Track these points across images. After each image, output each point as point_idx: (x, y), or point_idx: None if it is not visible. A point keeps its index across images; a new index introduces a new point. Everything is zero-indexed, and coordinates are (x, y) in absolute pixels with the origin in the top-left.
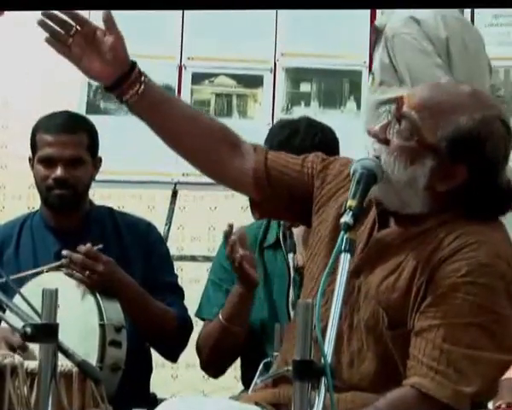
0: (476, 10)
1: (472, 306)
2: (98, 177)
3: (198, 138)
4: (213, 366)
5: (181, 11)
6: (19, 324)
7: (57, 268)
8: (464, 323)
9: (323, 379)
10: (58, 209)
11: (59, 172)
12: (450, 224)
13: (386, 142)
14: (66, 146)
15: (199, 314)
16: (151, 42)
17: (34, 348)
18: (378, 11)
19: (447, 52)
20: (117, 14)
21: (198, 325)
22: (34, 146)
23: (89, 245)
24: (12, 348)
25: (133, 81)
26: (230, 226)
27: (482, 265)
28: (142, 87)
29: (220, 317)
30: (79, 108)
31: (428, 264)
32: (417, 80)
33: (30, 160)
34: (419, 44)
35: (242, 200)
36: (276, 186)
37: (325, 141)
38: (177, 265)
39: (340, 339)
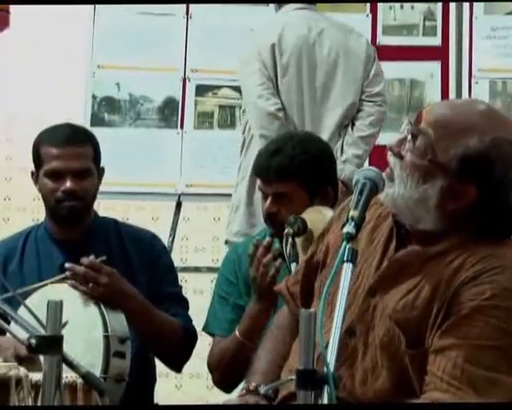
0: (474, 23)
1: (495, 329)
2: (102, 188)
3: None
4: (228, 382)
5: (185, 25)
6: (24, 335)
7: (61, 281)
8: (486, 345)
9: (326, 388)
10: (67, 221)
11: (68, 184)
12: (468, 245)
13: (400, 156)
14: (74, 158)
15: (206, 329)
16: (155, 54)
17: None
18: (379, 23)
19: (273, 57)
20: (123, 26)
21: (202, 335)
22: (39, 160)
23: (92, 257)
24: (19, 360)
25: None
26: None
27: (506, 289)
28: None
29: (237, 333)
30: (84, 120)
31: (450, 285)
32: (243, 88)
33: (32, 174)
34: (245, 55)
35: None
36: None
37: (308, 161)
38: (180, 276)
39: (355, 356)
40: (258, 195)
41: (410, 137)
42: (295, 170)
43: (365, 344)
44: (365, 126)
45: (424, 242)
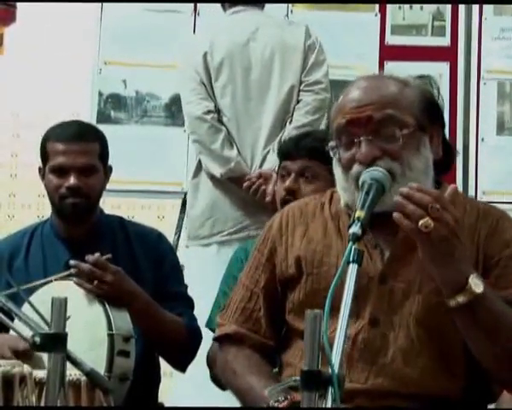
0: (483, 23)
1: None
2: (108, 186)
3: None
4: None
5: (192, 22)
6: (28, 333)
7: (66, 278)
8: None
9: (330, 389)
10: (71, 218)
11: (72, 180)
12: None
13: (387, 154)
14: (79, 155)
15: (209, 325)
16: (162, 51)
17: (42, 355)
18: (388, 23)
19: (205, 64)
20: (130, 23)
21: (207, 336)
22: (45, 156)
23: (97, 255)
24: (17, 355)
25: None
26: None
27: None
28: None
29: None
30: (90, 117)
31: (475, 246)
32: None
33: (40, 170)
34: (180, 65)
35: None
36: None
37: None
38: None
39: (387, 343)
40: (200, 196)
41: (371, 137)
42: (324, 152)
43: (392, 328)
44: (301, 116)
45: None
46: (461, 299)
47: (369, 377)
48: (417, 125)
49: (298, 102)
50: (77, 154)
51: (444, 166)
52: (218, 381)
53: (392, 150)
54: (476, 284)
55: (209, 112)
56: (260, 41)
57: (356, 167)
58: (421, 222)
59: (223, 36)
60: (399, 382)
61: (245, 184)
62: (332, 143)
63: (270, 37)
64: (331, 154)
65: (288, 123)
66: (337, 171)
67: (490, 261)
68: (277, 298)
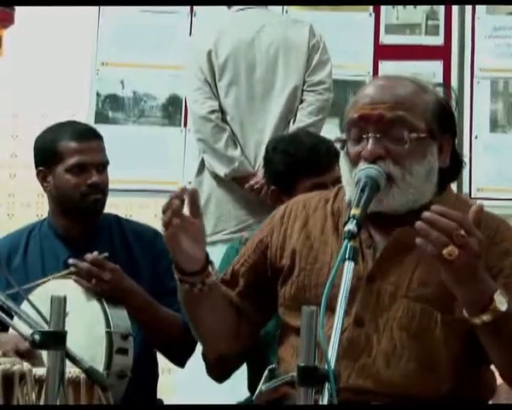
0: (476, 22)
1: None
2: None
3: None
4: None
5: (189, 22)
6: (27, 331)
7: (65, 276)
8: None
9: (327, 385)
10: (91, 215)
11: (94, 177)
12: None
13: (389, 153)
14: (97, 151)
15: None
16: (159, 52)
17: (43, 354)
18: (382, 22)
19: (209, 62)
20: (127, 24)
21: None
22: (56, 157)
23: (95, 253)
24: (19, 354)
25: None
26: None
27: None
28: (215, 278)
29: None
30: (88, 117)
31: None
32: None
33: (39, 173)
34: (184, 63)
35: None
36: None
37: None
38: None
39: (370, 344)
40: (203, 195)
41: (379, 136)
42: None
43: (377, 330)
44: (304, 116)
45: (401, 221)
46: (486, 317)
47: (350, 376)
48: (427, 131)
49: (301, 101)
50: (93, 151)
51: (450, 175)
52: (214, 374)
53: (397, 153)
54: (500, 302)
55: (214, 111)
56: (265, 40)
57: (361, 164)
58: (445, 250)
59: (228, 34)
60: (380, 384)
61: (247, 185)
62: (341, 136)
63: (275, 35)
64: (338, 146)
65: (291, 123)
66: (344, 165)
67: (492, 271)
68: (263, 276)
